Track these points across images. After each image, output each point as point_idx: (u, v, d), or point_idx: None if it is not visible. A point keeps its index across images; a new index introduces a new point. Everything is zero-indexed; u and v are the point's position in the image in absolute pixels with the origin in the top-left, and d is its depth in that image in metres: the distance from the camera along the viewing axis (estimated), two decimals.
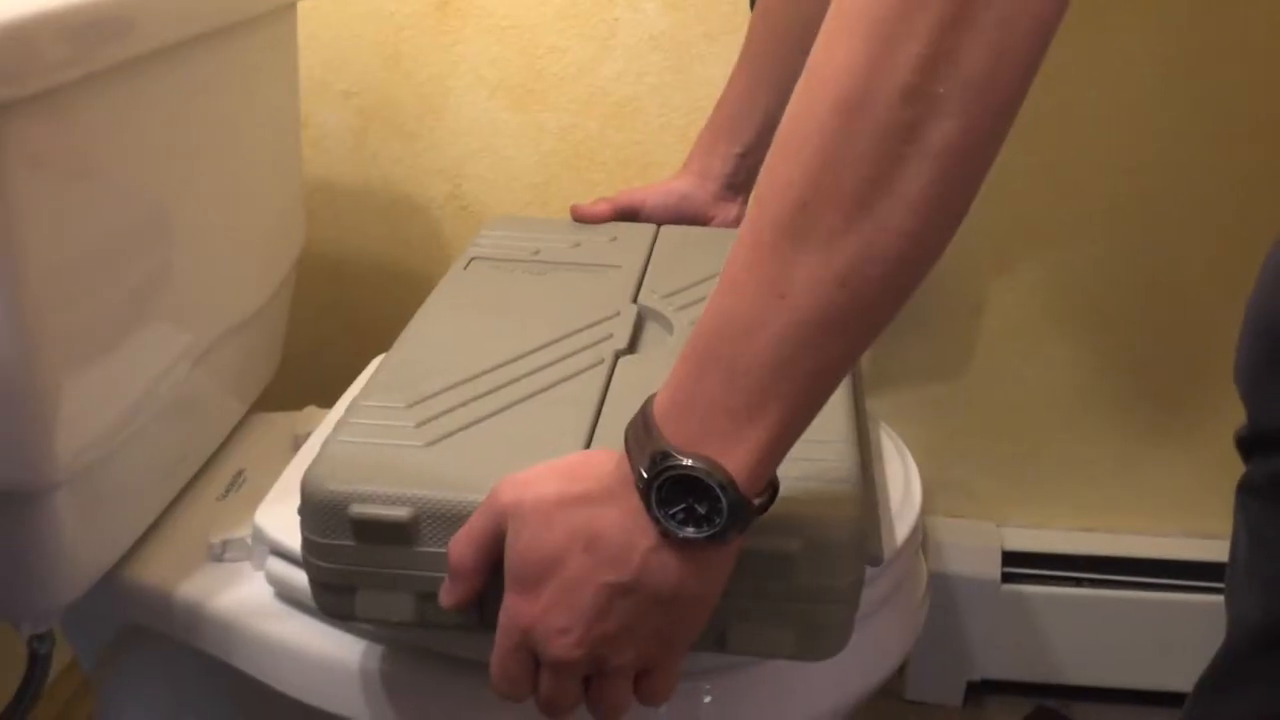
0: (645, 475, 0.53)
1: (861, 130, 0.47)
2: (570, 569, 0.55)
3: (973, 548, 1.27)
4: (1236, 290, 0.74)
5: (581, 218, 0.98)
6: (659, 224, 0.98)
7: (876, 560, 0.71)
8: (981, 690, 1.33)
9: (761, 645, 0.63)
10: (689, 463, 0.52)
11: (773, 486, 0.55)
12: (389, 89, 1.20)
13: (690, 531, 0.53)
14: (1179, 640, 1.22)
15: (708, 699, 0.74)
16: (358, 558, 0.64)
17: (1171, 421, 1.25)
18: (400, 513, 0.62)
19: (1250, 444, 0.70)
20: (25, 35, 0.61)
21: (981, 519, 1.31)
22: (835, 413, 0.69)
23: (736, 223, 1.00)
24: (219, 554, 0.85)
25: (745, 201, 0.99)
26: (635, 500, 0.54)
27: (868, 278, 0.49)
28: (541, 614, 0.56)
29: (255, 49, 0.92)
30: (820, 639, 0.63)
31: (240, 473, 0.96)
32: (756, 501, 0.53)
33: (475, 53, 1.18)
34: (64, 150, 0.68)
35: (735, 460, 0.52)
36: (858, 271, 0.49)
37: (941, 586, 1.26)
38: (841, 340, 0.51)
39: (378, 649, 0.76)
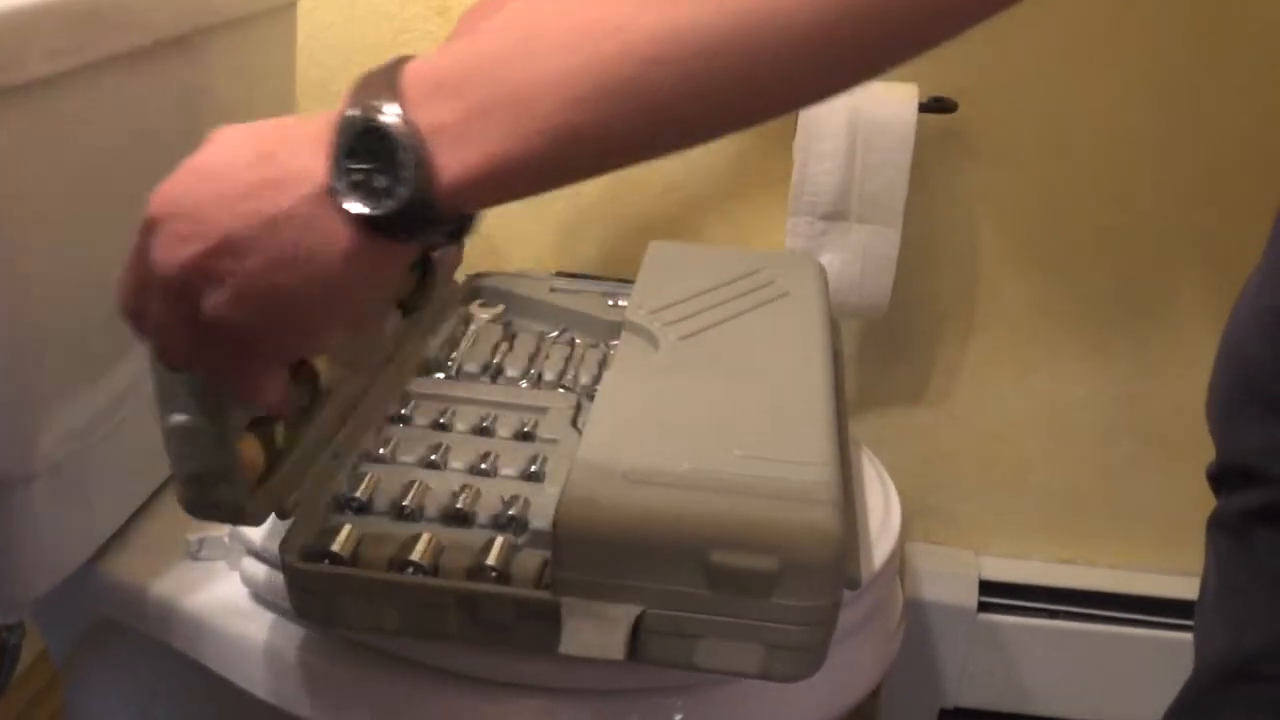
0: (347, 114, 0.47)
1: None
2: (229, 171, 0.49)
3: (950, 575, 1.27)
4: (1222, 324, 0.75)
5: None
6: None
7: (855, 583, 0.71)
8: (954, 718, 1.33)
9: (732, 663, 0.63)
10: (398, 121, 0.46)
11: (468, 219, 0.50)
12: None
13: (353, 200, 0.47)
14: (1151, 675, 1.22)
15: (678, 716, 0.74)
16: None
17: (1154, 455, 1.25)
18: None
19: (1220, 478, 0.71)
20: (20, 24, 0.61)
21: (960, 547, 1.31)
22: (818, 435, 0.70)
23: None
24: (195, 552, 0.85)
25: None
26: (327, 137, 0.47)
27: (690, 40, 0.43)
28: (173, 207, 0.50)
29: (253, 47, 0.92)
30: (793, 661, 0.63)
31: None
32: (440, 212, 0.47)
33: None
34: (55, 141, 0.68)
35: (453, 159, 0.46)
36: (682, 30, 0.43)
37: (917, 613, 1.26)
38: (634, 105, 0.44)
39: (351, 654, 0.75)
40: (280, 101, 1.01)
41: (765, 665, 0.63)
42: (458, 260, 1.01)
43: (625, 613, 0.62)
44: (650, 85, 0.44)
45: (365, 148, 0.46)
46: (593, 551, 0.62)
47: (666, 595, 0.62)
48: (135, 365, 0.81)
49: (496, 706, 0.73)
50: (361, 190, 0.47)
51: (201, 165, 0.50)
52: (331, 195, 0.47)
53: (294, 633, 0.77)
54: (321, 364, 0.72)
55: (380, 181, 0.46)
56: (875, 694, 1.31)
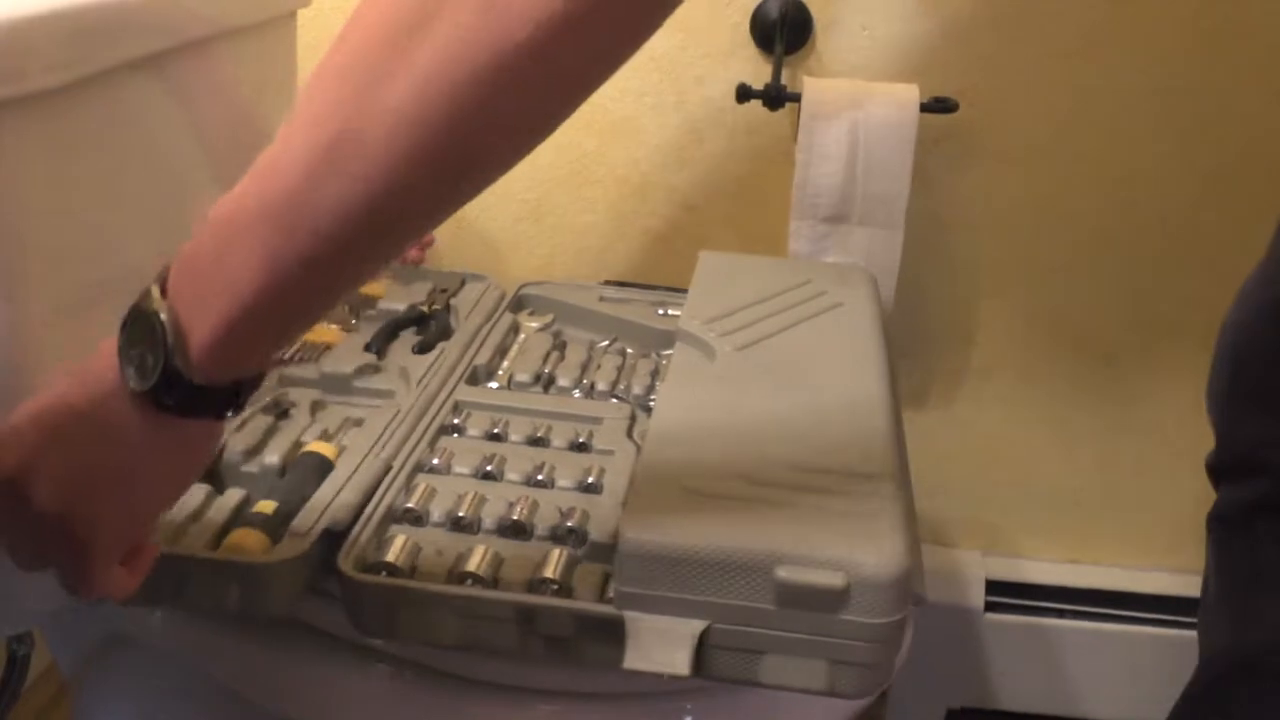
0: (131, 305, 0.51)
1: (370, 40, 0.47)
2: (58, 371, 0.53)
3: (957, 576, 1.28)
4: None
5: None
6: None
7: (921, 599, 0.70)
8: (962, 719, 1.33)
9: (797, 680, 0.63)
10: (155, 300, 0.49)
11: (238, 386, 0.52)
12: None
13: (130, 374, 0.50)
14: (1158, 673, 1.23)
15: (689, 719, 0.74)
16: None
17: (1157, 455, 1.25)
18: None
19: (1219, 471, 0.71)
20: (22, 35, 0.61)
21: (966, 548, 1.31)
22: (880, 448, 0.70)
23: None
24: None
25: None
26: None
27: (340, 172, 0.46)
28: (9, 412, 0.54)
29: (254, 56, 0.92)
30: (858, 677, 0.62)
31: None
32: (197, 380, 0.50)
33: None
34: (58, 152, 0.68)
35: (199, 322, 0.48)
36: (335, 160, 0.46)
37: (925, 614, 1.26)
38: (317, 216, 0.46)
39: (361, 663, 0.75)
40: (283, 110, 1.00)
41: (830, 682, 0.62)
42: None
43: (690, 628, 0.61)
44: (326, 195, 0.46)
45: (140, 331, 0.50)
46: (657, 566, 0.61)
47: (732, 610, 0.61)
48: None
49: (509, 712, 0.73)
50: (139, 371, 0.50)
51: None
52: (125, 385, 0.51)
53: (303, 643, 0.77)
54: None
55: (149, 359, 0.50)
56: (883, 695, 1.31)
